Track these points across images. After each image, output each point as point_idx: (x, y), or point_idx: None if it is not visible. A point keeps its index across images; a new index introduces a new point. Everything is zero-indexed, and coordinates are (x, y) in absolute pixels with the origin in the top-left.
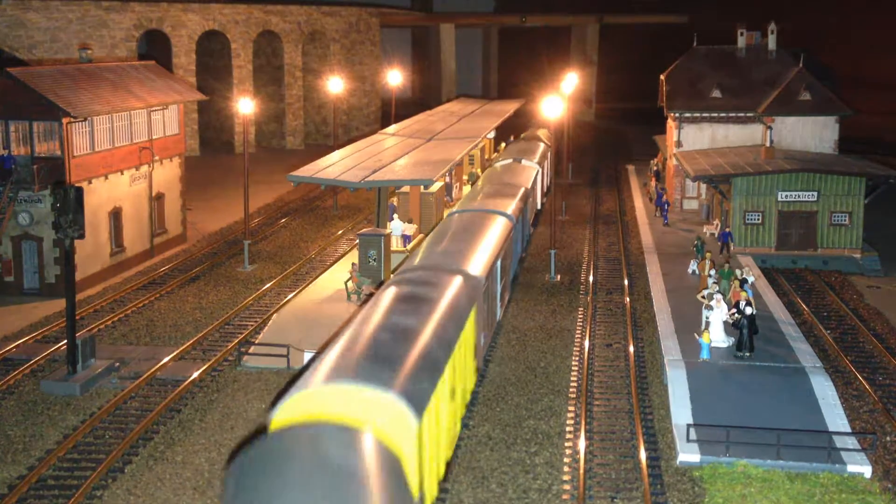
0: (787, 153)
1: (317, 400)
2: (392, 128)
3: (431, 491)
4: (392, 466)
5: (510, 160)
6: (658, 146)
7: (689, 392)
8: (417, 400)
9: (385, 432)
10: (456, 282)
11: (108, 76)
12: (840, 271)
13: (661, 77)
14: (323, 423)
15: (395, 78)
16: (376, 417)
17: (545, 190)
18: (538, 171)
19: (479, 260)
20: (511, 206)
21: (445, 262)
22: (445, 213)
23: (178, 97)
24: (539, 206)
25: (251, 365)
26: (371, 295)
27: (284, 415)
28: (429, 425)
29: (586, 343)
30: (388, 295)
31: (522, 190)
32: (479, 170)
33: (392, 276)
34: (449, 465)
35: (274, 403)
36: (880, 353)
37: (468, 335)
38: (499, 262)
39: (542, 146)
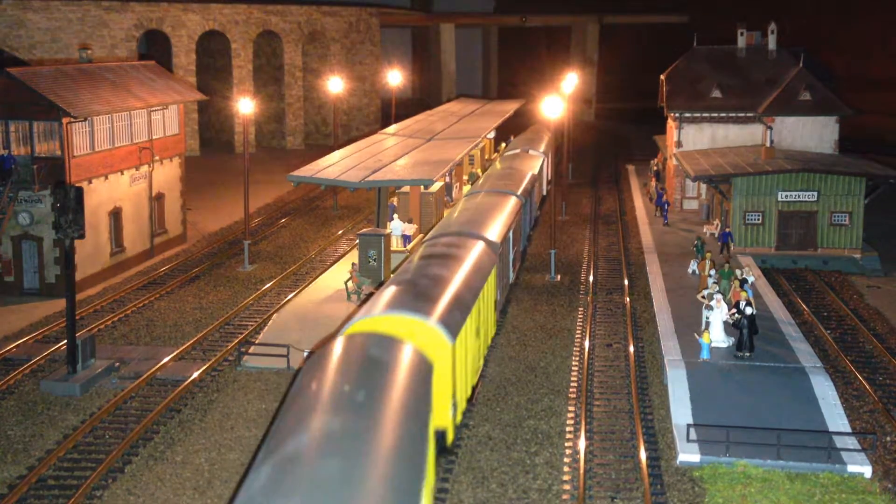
0: (787, 153)
1: (375, 322)
2: (392, 128)
3: (461, 404)
4: (426, 370)
5: (518, 150)
6: (658, 146)
7: (689, 392)
8: (451, 327)
9: (424, 345)
10: (479, 245)
11: (108, 76)
12: (840, 271)
13: (661, 77)
14: (377, 333)
15: (395, 78)
16: (418, 335)
17: (549, 178)
18: (544, 160)
19: (496, 229)
20: (521, 187)
21: (469, 229)
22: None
23: (178, 97)
24: (544, 192)
25: (251, 365)
26: (371, 295)
27: (349, 331)
28: (460, 349)
29: (586, 343)
30: (426, 252)
31: (530, 174)
32: (479, 170)
33: (426, 238)
34: (474, 389)
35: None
36: (880, 353)
37: (490, 288)
38: (511, 233)
39: (546, 138)
